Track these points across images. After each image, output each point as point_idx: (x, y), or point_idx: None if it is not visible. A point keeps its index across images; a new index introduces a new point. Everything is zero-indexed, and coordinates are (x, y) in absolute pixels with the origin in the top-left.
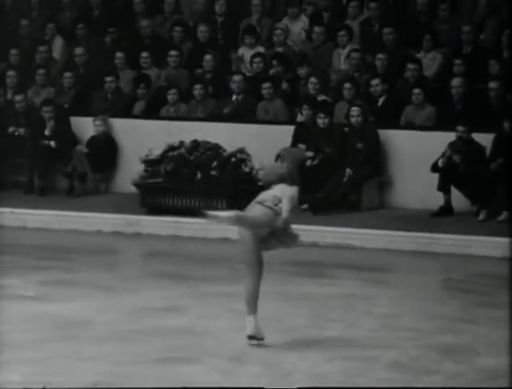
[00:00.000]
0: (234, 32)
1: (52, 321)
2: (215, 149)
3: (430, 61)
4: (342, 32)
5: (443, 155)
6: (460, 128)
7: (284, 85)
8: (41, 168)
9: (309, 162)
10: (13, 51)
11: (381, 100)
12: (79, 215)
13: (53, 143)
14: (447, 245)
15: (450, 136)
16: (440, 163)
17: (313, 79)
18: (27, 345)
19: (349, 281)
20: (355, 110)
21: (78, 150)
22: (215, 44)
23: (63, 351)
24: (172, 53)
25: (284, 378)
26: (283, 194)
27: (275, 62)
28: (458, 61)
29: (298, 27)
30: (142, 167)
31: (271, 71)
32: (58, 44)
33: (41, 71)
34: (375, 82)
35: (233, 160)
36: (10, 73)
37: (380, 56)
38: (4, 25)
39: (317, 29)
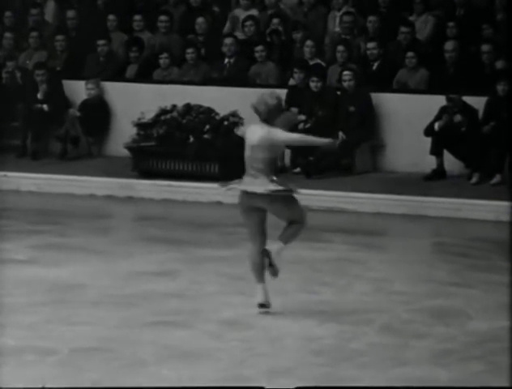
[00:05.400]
0: None
1: (45, 285)
2: (208, 113)
3: (423, 24)
4: None
5: (438, 118)
6: (452, 96)
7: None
8: (34, 131)
9: (301, 126)
10: (7, 13)
11: (376, 64)
12: (72, 179)
13: (45, 107)
14: (440, 209)
15: (443, 99)
16: (436, 126)
17: (309, 42)
18: (20, 309)
19: (341, 245)
20: (346, 74)
21: (70, 113)
22: (208, 6)
23: (57, 315)
24: (162, 18)
25: (275, 341)
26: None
27: (276, 20)
28: (450, 24)
29: None
30: (134, 130)
31: (269, 29)
32: (51, 6)
33: (34, 34)
34: (371, 45)
35: (226, 123)
36: (7, 35)
37: (371, 18)
38: None
39: None
